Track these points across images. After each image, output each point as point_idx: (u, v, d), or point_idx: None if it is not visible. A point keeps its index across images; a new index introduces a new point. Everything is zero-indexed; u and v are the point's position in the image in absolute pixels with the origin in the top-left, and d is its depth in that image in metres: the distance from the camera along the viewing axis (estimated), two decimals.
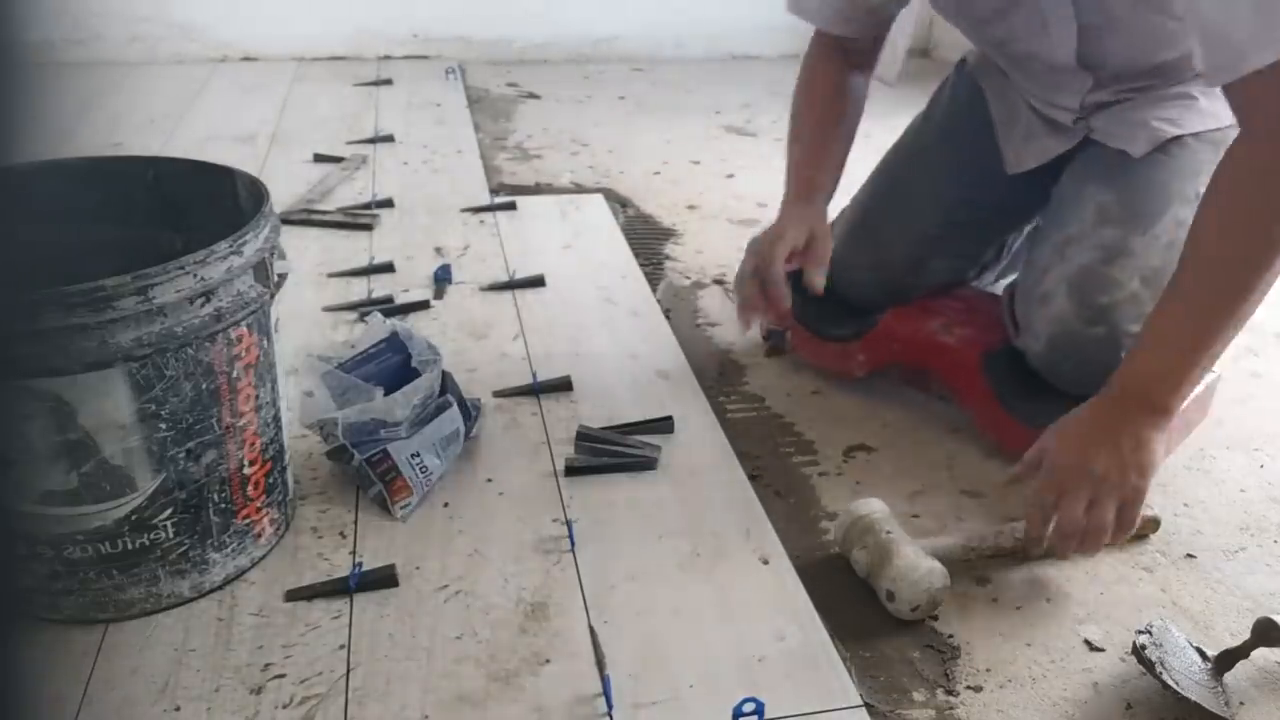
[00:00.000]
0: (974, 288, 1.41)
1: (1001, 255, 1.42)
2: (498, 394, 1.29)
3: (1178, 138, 1.16)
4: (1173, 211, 1.13)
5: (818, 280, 1.21)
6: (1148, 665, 0.88)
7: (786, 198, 1.29)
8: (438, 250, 1.70)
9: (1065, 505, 0.96)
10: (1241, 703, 0.89)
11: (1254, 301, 0.95)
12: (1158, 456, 0.98)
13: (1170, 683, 0.86)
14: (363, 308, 1.48)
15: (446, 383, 1.14)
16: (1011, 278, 1.37)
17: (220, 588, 0.97)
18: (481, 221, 1.83)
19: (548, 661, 0.90)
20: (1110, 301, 1.11)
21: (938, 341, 1.28)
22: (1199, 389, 1.18)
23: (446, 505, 1.09)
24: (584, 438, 1.19)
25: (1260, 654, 0.92)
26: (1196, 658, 0.90)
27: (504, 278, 1.59)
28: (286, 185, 1.91)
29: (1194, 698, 0.85)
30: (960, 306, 1.35)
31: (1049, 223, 1.24)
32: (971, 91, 1.36)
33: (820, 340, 1.38)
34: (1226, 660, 0.91)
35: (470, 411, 1.17)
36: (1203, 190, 1.04)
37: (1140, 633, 0.90)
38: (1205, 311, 0.97)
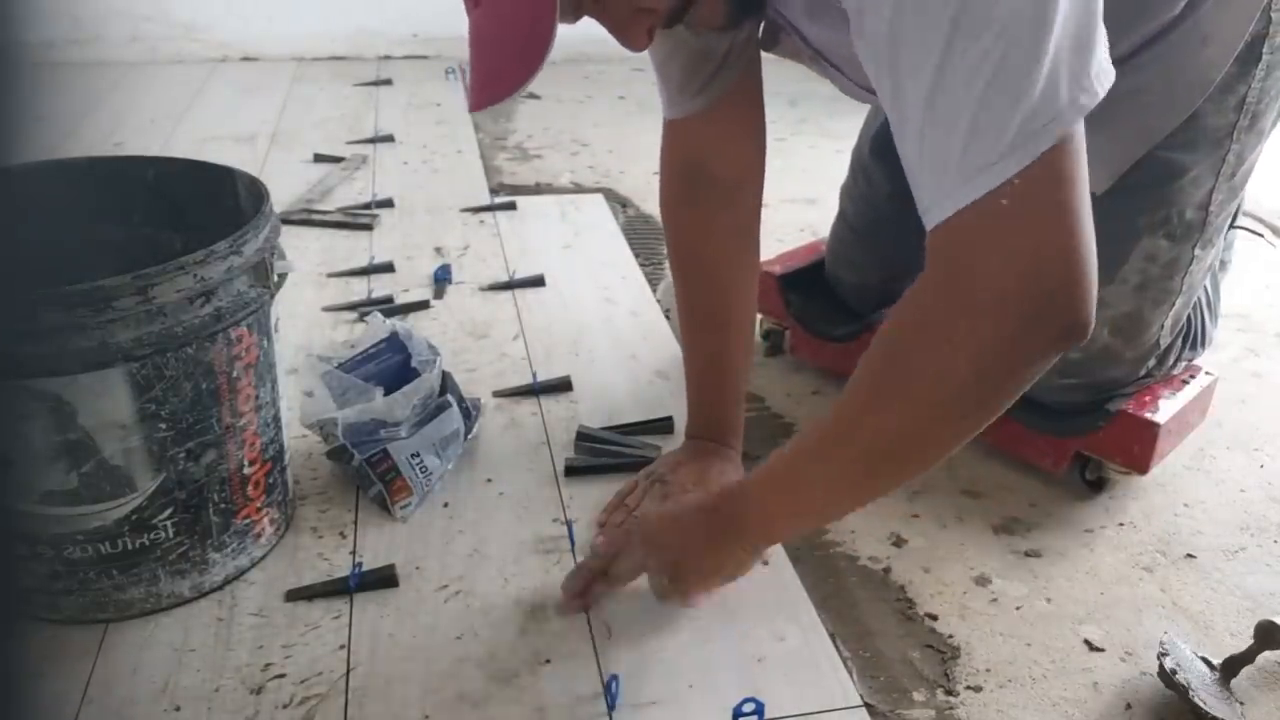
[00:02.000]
0: None
1: None
2: (498, 394, 1.29)
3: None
4: (1141, 247, 1.04)
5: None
6: (1180, 690, 0.87)
7: (693, 427, 1.13)
8: (438, 250, 1.70)
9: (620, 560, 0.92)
10: (1242, 702, 0.89)
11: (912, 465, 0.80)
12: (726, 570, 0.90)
13: (1200, 703, 0.86)
14: (363, 308, 1.48)
15: (446, 383, 1.14)
16: None
17: (220, 588, 0.97)
18: (481, 221, 1.83)
19: (548, 661, 0.90)
20: (1082, 357, 1.08)
21: None
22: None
23: (446, 505, 1.09)
24: (584, 438, 1.19)
25: (1261, 654, 0.92)
26: (1205, 669, 0.90)
27: (504, 278, 1.59)
28: (286, 185, 1.91)
29: (1223, 717, 0.86)
30: None
31: None
32: None
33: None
34: (1232, 667, 0.91)
35: (470, 411, 1.17)
36: (1179, 212, 1.00)
37: (1162, 655, 0.89)
38: (847, 475, 0.79)
